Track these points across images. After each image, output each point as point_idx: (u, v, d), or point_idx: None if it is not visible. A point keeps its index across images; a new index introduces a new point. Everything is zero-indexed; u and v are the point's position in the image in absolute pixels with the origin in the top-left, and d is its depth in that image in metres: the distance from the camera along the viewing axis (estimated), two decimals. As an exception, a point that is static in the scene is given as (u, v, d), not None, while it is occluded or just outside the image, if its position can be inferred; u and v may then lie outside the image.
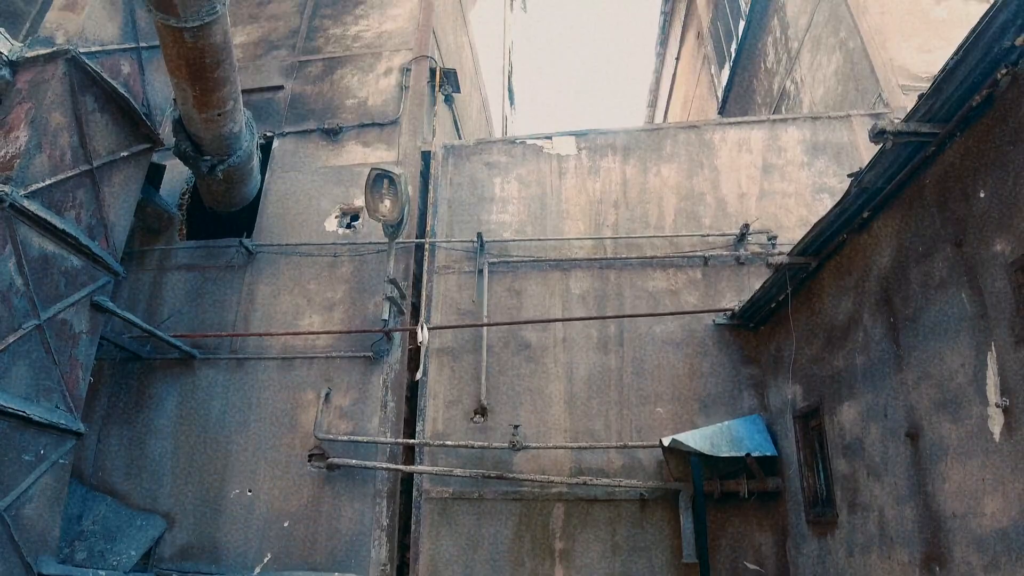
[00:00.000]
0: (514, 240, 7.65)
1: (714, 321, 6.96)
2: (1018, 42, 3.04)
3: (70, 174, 5.69)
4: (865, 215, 4.54)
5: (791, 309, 5.77)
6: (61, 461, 5.59)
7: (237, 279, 7.74)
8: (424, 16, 9.22)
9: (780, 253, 6.50)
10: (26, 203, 5.15)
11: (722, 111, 15.06)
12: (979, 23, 3.05)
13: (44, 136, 5.44)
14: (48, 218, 5.37)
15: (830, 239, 4.99)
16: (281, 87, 9.03)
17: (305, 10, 9.79)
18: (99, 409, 7.23)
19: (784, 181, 7.55)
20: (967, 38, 3.15)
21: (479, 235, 7.45)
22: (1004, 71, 3.20)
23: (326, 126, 8.45)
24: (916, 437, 4.00)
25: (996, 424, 3.29)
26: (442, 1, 10.04)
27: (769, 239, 7.13)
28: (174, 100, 6.75)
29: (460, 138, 10.80)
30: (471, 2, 13.00)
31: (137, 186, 6.81)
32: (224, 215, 8.18)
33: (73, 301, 5.76)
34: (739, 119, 8.22)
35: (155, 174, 7.90)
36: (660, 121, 23.01)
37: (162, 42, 5.92)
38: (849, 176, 4.27)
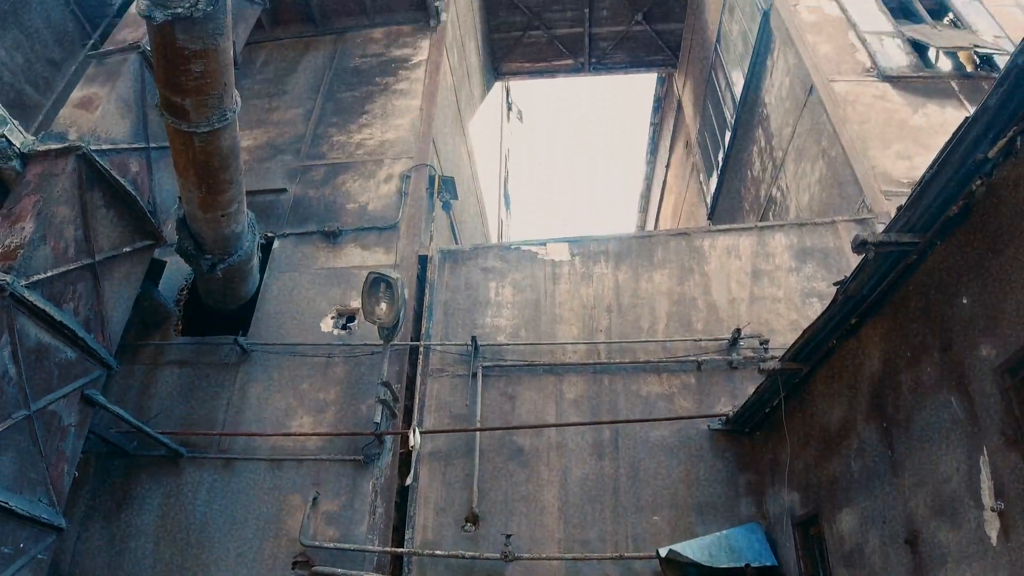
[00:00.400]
0: (508, 344, 7.68)
1: (708, 426, 6.90)
2: (991, 154, 3.19)
3: (72, 267, 5.77)
4: (853, 321, 4.61)
5: (785, 415, 5.74)
6: (40, 556, 5.37)
7: (230, 377, 7.70)
8: (425, 126, 9.64)
9: (772, 358, 6.54)
10: (26, 294, 5.19)
11: (711, 217, 15.49)
12: (953, 137, 3.21)
13: (49, 228, 5.55)
14: (47, 309, 5.39)
15: (820, 345, 5.04)
16: (284, 190, 9.31)
17: (312, 118, 10.24)
18: (81, 504, 7.01)
19: (773, 286, 7.69)
20: (942, 151, 3.31)
21: (473, 338, 7.49)
22: (979, 182, 3.34)
23: (326, 228, 8.65)
24: (916, 543, 3.90)
25: (993, 528, 3.24)
26: (442, 112, 10.52)
27: (761, 343, 7.18)
28: (179, 198, 6.92)
29: (457, 242, 11.04)
30: (470, 112, 13.61)
31: (137, 281, 6.90)
32: (221, 312, 8.23)
33: (64, 393, 5.71)
34: (728, 226, 8.47)
35: (155, 269, 8.01)
36: (651, 226, 23.59)
37: (172, 144, 6.13)
38: (835, 284, 4.37)
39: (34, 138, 5.90)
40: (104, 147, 6.14)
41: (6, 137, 5.68)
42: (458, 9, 12.75)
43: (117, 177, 6.23)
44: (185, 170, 6.28)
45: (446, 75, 11.22)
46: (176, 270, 8.52)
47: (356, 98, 10.47)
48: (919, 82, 9.72)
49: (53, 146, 5.85)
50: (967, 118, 3.11)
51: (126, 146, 6.49)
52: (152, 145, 6.82)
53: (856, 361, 4.70)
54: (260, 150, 9.94)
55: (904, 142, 8.90)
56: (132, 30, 7.15)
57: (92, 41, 10.04)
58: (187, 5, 4.75)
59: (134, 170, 6.57)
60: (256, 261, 8.01)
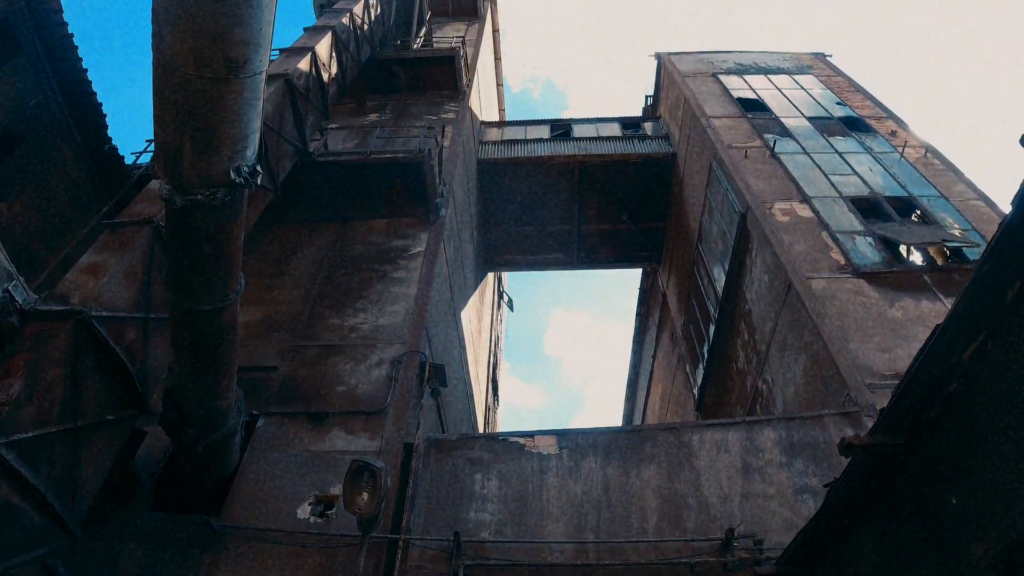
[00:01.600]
0: (492, 541, 7.35)
1: (705, 636, 6.45)
2: (966, 356, 3.31)
3: (53, 430, 5.62)
4: (846, 523, 4.51)
5: (785, 624, 5.42)
6: None
7: (196, 558, 7.23)
8: (419, 314, 9.92)
9: (768, 559, 6.28)
10: (3, 452, 5.03)
11: (699, 408, 15.51)
12: (927, 341, 3.36)
13: (37, 388, 5.46)
14: (22, 471, 5.18)
15: (814, 547, 4.89)
16: (276, 368, 9.35)
17: (309, 299, 10.52)
18: None
19: (765, 483, 7.55)
20: (918, 355, 3.45)
21: (456, 534, 7.15)
22: (955, 384, 3.43)
23: (312, 410, 8.59)
24: None
25: None
26: (436, 301, 10.88)
27: (755, 544, 6.90)
28: (170, 368, 6.91)
29: (444, 430, 10.92)
30: (462, 300, 14.06)
31: (115, 450, 6.68)
32: (196, 487, 7.92)
33: (25, 560, 5.33)
34: (716, 421, 8.46)
35: (135, 439, 7.81)
36: (640, 415, 23.47)
37: (172, 318, 6.23)
38: (825, 486, 4.33)
39: (37, 296, 5.99)
40: (104, 314, 6.23)
41: (10, 292, 5.76)
42: (457, 204, 13.62)
43: (113, 345, 6.26)
44: (181, 343, 6.35)
45: (442, 265, 11.74)
46: (156, 441, 8.29)
47: (355, 283, 10.85)
48: (893, 277, 10.24)
49: (54, 307, 5.93)
50: (938, 326, 3.28)
51: (126, 315, 6.59)
52: (151, 315, 6.94)
53: (854, 563, 4.53)
54: (255, 326, 10.12)
55: (883, 335, 9.19)
56: (148, 205, 7.48)
57: (107, 208, 10.48)
58: (206, 193, 5.05)
59: (130, 338, 6.63)
60: (238, 439, 7.85)
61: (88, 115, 11.01)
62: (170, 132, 4.70)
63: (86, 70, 10.61)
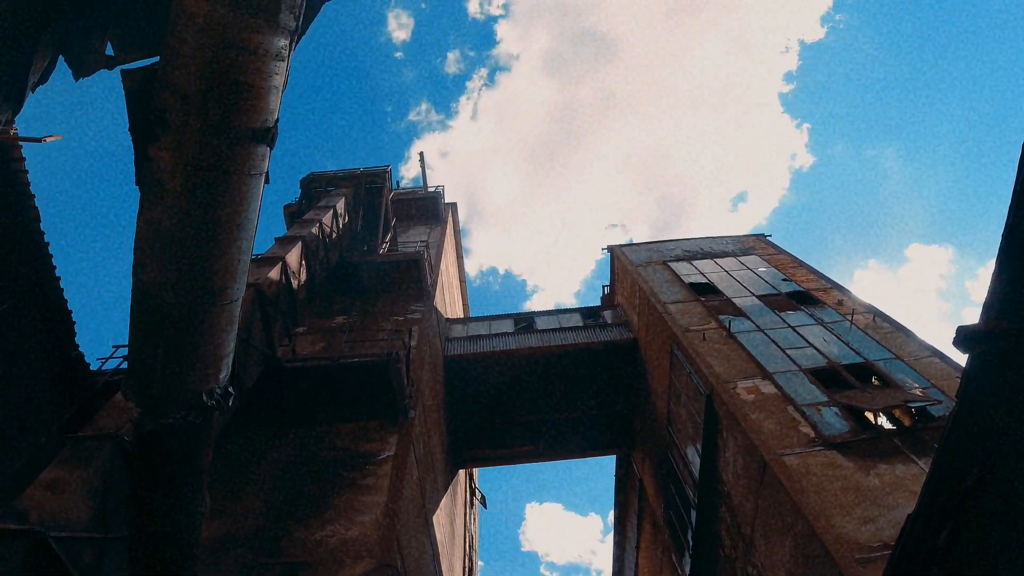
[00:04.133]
0: None
1: None
2: (940, 543, 3.33)
3: None
4: None
5: None
6: None
7: None
8: (388, 523, 9.51)
9: None
10: None
11: (691, 601, 14.65)
12: (901, 534, 3.38)
13: None
14: None
15: None
16: (235, 595, 8.70)
17: (272, 511, 10.04)
18: None
19: None
20: (896, 546, 3.45)
21: None
22: (936, 569, 3.42)
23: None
24: None
25: None
26: (407, 508, 10.48)
27: None
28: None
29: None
30: (434, 504, 13.55)
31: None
32: None
33: None
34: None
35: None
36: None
37: (131, 540, 5.95)
38: None
39: None
40: (62, 534, 5.93)
41: None
42: (424, 405, 13.56)
43: (71, 569, 5.90)
44: (139, 568, 5.98)
45: (411, 469, 11.45)
46: None
47: (322, 491, 10.46)
48: (864, 445, 10.29)
49: (12, 526, 5.65)
50: (909, 515, 3.33)
51: (84, 535, 6.25)
52: (109, 535, 6.58)
53: None
54: (216, 543, 9.53)
55: (864, 505, 9.07)
56: (113, 418, 7.30)
57: (68, 415, 10.13)
58: (177, 416, 5.05)
59: (87, 561, 6.24)
60: None
61: (56, 319, 10.99)
62: (144, 355, 4.78)
63: (59, 278, 10.74)
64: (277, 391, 11.77)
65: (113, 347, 11.98)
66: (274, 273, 11.29)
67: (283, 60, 3.95)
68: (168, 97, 3.82)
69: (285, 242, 12.91)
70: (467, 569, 19.14)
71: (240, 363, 9.74)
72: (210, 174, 4.00)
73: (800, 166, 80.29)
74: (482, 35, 79.24)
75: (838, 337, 14.12)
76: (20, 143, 9.21)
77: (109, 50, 4.65)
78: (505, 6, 77.59)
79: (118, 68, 4.44)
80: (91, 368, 11.75)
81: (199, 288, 4.33)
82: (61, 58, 4.55)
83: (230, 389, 5.05)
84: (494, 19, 77.67)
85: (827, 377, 12.68)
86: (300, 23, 3.94)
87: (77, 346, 11.48)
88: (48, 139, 9.98)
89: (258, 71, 3.85)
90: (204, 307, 4.41)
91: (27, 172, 9.42)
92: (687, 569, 14.88)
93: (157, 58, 4.16)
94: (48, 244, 10.42)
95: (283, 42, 3.86)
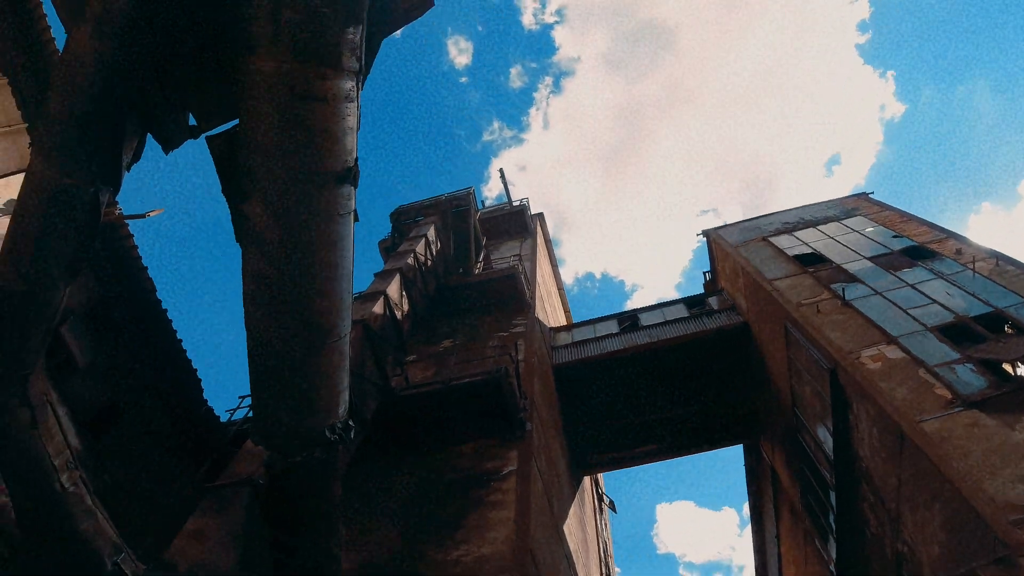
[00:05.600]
0: None
1: None
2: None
3: None
4: None
5: None
6: None
7: None
8: (519, 536, 9.59)
9: None
10: None
11: (843, 585, 13.95)
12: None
13: None
14: None
15: None
16: (384, 623, 9.01)
17: (406, 536, 10.34)
18: None
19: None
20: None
21: None
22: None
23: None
24: None
25: None
26: (536, 520, 10.54)
27: None
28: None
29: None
30: (563, 513, 13.57)
31: None
32: None
33: None
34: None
35: None
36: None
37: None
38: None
39: (144, 567, 6.11)
40: None
41: (119, 566, 5.89)
42: (540, 416, 13.63)
43: None
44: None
45: (536, 481, 11.52)
46: None
47: (450, 513, 10.69)
48: (1005, 398, 9.52)
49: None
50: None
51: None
52: (252, 576, 6.95)
53: None
54: (355, 573, 9.90)
55: (1014, 463, 8.42)
56: (246, 464, 7.76)
57: (206, 467, 10.78)
58: (305, 453, 5.32)
59: None
60: None
61: (183, 381, 11.74)
62: (266, 400, 5.08)
63: (181, 340, 11.44)
64: (395, 420, 12.15)
65: (239, 398, 12.69)
66: (377, 307, 11.71)
67: (353, 101, 4.15)
68: (251, 155, 4.10)
69: (384, 276, 13.38)
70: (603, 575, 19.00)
71: (357, 397, 10.15)
72: (301, 220, 4.25)
73: (891, 116, 75.51)
74: (540, 44, 79.42)
75: (961, 288, 13.14)
76: (126, 221, 9.96)
77: (191, 120, 5.01)
78: (559, 11, 77.50)
79: (203, 136, 4.79)
80: (220, 420, 12.53)
81: (308, 329, 4.59)
82: (149, 136, 4.95)
83: (350, 423, 5.29)
84: (550, 26, 77.65)
85: (956, 332, 11.82)
86: (363, 63, 4.13)
87: (206, 402, 12.28)
88: (151, 214, 10.76)
89: (331, 115, 4.06)
90: (315, 347, 4.67)
91: (137, 247, 10.16)
92: (832, 554, 14.19)
93: (236, 120, 4.46)
94: (166, 310, 11.14)
95: (350, 84, 4.06)
